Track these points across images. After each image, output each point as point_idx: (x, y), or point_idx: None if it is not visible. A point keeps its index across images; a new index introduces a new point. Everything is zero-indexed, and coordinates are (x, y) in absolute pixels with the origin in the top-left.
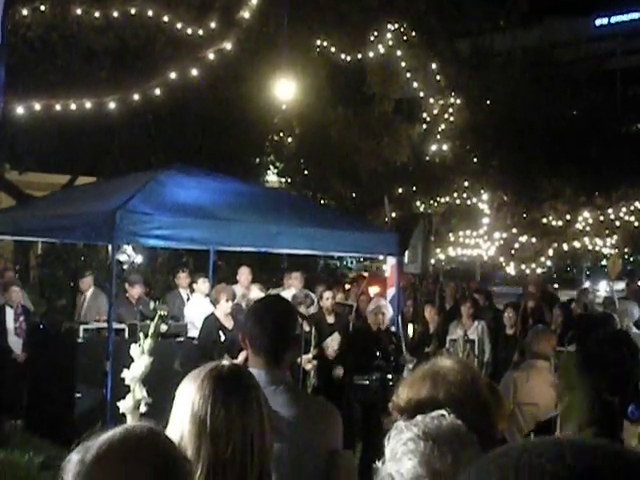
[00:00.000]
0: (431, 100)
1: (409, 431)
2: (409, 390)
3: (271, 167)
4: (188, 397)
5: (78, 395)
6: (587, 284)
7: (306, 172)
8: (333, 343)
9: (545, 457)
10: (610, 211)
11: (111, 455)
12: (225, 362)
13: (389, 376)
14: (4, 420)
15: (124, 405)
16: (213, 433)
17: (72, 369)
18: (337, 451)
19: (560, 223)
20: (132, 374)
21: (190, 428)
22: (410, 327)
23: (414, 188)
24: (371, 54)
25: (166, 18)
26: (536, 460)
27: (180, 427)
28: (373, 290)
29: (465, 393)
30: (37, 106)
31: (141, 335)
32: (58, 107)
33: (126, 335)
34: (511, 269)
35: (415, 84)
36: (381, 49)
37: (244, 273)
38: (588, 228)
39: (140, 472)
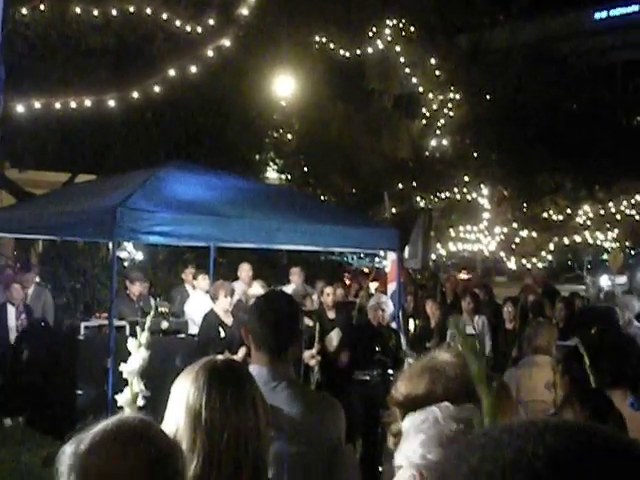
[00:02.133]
0: (430, 95)
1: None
2: (408, 384)
3: (271, 163)
4: (183, 390)
5: (79, 392)
6: (588, 277)
7: (306, 168)
8: (333, 339)
9: (525, 437)
10: (611, 205)
11: (104, 445)
12: (220, 356)
13: (390, 371)
14: (6, 417)
15: (122, 398)
16: (208, 424)
17: (73, 366)
18: (339, 446)
19: (561, 217)
20: (130, 367)
21: (185, 420)
22: (411, 322)
23: (414, 183)
24: (370, 50)
25: (164, 15)
26: (516, 441)
27: (175, 419)
28: (373, 286)
29: (464, 387)
30: (37, 104)
31: (138, 329)
32: (58, 105)
33: (127, 332)
34: (512, 264)
35: (414, 79)
36: (380, 45)
37: (245, 269)
38: (589, 222)
39: (133, 461)
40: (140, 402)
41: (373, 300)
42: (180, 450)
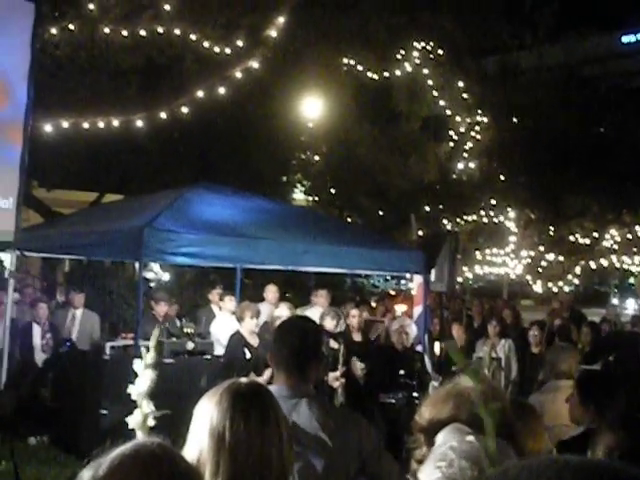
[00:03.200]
0: (458, 118)
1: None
2: (432, 410)
3: (298, 185)
4: (207, 412)
5: (104, 412)
6: (615, 301)
7: (333, 190)
8: (360, 362)
9: (544, 476)
10: (638, 228)
11: (122, 470)
12: (244, 379)
13: (415, 394)
14: (30, 436)
15: (132, 420)
16: (231, 447)
17: (98, 386)
18: (375, 452)
19: (587, 241)
20: (137, 389)
21: (209, 443)
22: (437, 345)
23: (441, 206)
24: (398, 72)
25: (193, 36)
26: (535, 479)
27: (199, 442)
28: (400, 308)
29: None
30: (65, 124)
31: (143, 350)
32: (86, 125)
33: None
34: (538, 287)
35: (442, 102)
36: (408, 67)
37: (271, 291)
38: (616, 246)
39: None
40: (151, 423)
41: (396, 323)
42: (199, 475)
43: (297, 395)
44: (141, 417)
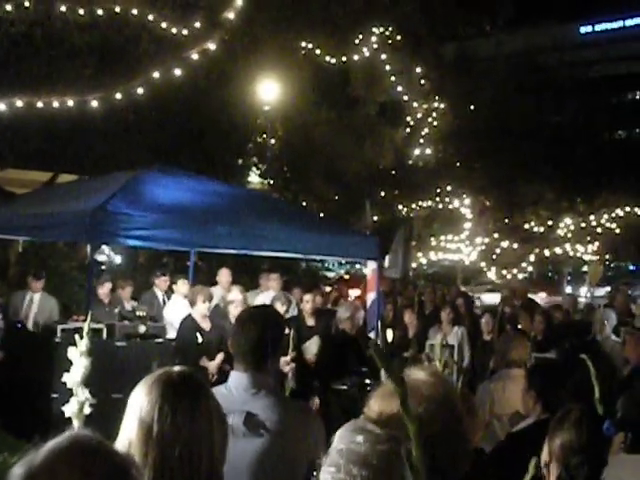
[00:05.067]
0: (415, 104)
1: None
2: (381, 403)
3: (253, 168)
4: (137, 402)
5: (54, 395)
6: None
7: (289, 174)
8: (312, 347)
9: None
10: (592, 218)
11: (57, 466)
12: (177, 368)
13: (367, 381)
14: None
15: (68, 409)
16: (159, 439)
17: (49, 369)
18: (316, 465)
19: (542, 229)
20: (73, 378)
21: (137, 433)
22: (389, 332)
23: (396, 192)
24: (356, 57)
25: (151, 17)
26: None
27: (129, 432)
28: (354, 293)
29: (438, 407)
30: (19, 102)
31: (77, 337)
32: (40, 104)
33: (104, 335)
34: (492, 274)
35: (399, 88)
36: (366, 52)
37: (224, 274)
38: (569, 234)
39: None
40: (87, 411)
41: (346, 311)
42: (136, 469)
43: (256, 386)
44: (77, 406)
